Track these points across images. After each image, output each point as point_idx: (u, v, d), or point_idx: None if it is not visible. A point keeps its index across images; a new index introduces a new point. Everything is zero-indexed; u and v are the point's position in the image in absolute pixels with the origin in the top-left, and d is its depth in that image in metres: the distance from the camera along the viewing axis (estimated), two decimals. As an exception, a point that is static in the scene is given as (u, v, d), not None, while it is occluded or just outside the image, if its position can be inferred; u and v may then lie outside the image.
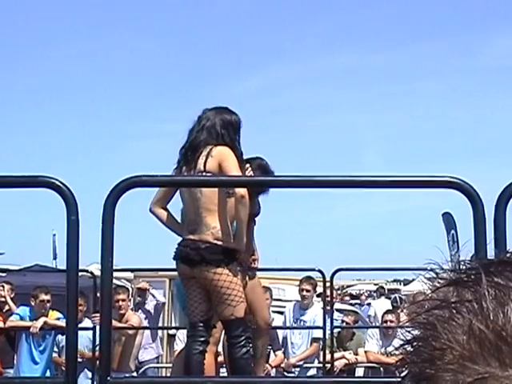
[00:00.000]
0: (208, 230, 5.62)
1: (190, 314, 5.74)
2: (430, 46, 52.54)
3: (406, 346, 0.65)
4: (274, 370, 9.58)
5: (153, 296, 10.98)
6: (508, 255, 0.67)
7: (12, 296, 9.95)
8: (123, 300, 9.42)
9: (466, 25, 53.37)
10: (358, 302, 19.43)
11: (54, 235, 16.86)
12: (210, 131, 5.68)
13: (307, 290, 9.93)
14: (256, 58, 52.47)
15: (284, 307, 11.65)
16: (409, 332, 0.65)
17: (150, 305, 10.93)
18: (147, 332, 10.61)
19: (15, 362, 9.70)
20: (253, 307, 6.19)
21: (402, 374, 0.64)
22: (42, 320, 9.04)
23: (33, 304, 9.19)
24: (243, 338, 5.59)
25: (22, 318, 9.26)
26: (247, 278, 6.37)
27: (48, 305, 9.16)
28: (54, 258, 16.55)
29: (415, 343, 0.64)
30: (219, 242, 5.61)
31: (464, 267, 0.67)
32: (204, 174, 5.58)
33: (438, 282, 0.67)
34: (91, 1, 47.02)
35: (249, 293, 6.19)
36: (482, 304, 0.62)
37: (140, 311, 10.69)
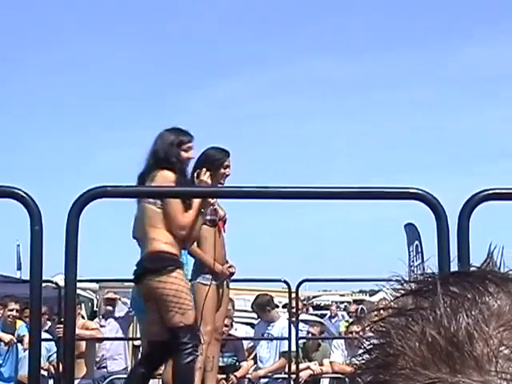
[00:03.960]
0: (148, 241, 5.68)
1: (150, 335, 5.77)
2: (400, 56, 52.84)
3: (364, 354, 0.66)
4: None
5: (124, 304, 10.97)
6: (472, 268, 0.68)
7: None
8: None
9: (438, 34, 53.69)
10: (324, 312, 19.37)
11: (19, 246, 16.82)
12: (154, 157, 5.85)
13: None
14: (228, 65, 52.36)
15: (253, 318, 11.66)
16: (367, 340, 0.66)
17: (120, 313, 10.91)
18: (115, 342, 10.60)
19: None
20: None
21: (359, 381, 0.65)
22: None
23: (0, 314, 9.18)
24: (190, 345, 5.58)
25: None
26: (224, 285, 6.42)
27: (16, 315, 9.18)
28: (19, 269, 16.47)
29: (371, 350, 0.66)
30: (160, 250, 5.64)
31: (424, 278, 0.68)
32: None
33: (399, 292, 0.68)
34: (60, 11, 46.75)
35: (219, 301, 6.24)
36: (436, 311, 0.63)
37: (109, 321, 10.69)
